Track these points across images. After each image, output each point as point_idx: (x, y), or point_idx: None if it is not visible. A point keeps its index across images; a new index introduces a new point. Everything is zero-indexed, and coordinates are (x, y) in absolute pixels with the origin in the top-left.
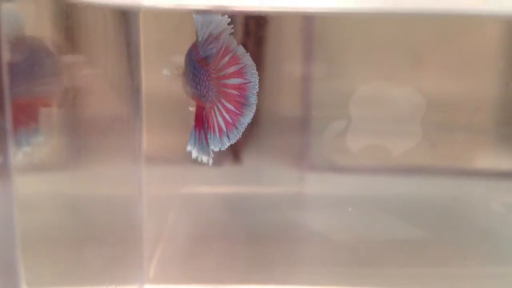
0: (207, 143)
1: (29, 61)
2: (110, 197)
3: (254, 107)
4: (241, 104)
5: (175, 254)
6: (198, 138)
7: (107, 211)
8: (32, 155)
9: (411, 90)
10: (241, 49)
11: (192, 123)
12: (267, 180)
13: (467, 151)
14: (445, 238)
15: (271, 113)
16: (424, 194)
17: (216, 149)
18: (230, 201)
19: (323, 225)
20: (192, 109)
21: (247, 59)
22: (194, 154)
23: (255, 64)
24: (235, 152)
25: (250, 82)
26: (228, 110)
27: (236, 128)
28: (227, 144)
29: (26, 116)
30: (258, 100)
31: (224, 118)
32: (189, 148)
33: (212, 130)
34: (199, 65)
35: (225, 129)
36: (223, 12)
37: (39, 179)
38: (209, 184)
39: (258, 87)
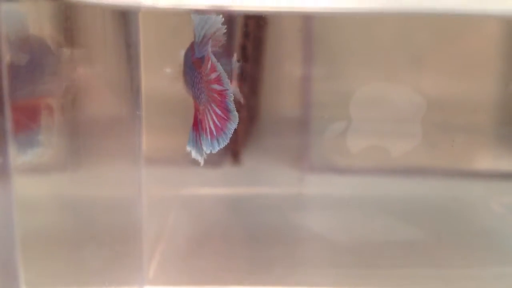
0: (201, 143)
1: (31, 61)
2: (110, 198)
3: (236, 113)
4: (226, 110)
5: (175, 255)
6: (196, 139)
7: (106, 212)
8: (34, 156)
9: (411, 91)
10: (213, 57)
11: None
12: (267, 181)
13: (467, 152)
14: (445, 239)
15: (270, 114)
16: (424, 195)
17: (208, 152)
18: (230, 202)
19: (323, 226)
20: None
21: (220, 68)
22: (193, 154)
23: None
24: (234, 153)
25: (227, 89)
26: (217, 115)
27: (224, 133)
28: (217, 148)
29: (27, 117)
30: (258, 100)
31: (214, 122)
32: (188, 148)
33: (204, 132)
34: (194, 66)
35: (215, 133)
36: (223, 12)
37: (38, 180)
38: (209, 185)
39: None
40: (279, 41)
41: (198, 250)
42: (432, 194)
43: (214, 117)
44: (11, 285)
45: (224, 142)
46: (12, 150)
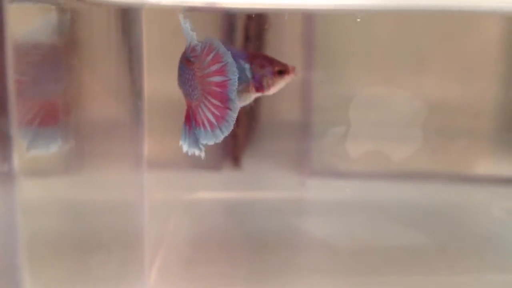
0: (194, 137)
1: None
2: (112, 202)
3: (237, 102)
4: (226, 100)
5: (177, 261)
6: (188, 133)
7: (108, 217)
8: (55, 150)
9: (412, 95)
10: (222, 48)
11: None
12: (268, 185)
13: (467, 157)
14: (445, 244)
15: (271, 118)
16: (425, 200)
17: (211, 143)
18: (231, 207)
19: (324, 231)
20: None
21: (228, 57)
22: (185, 148)
23: (235, 62)
24: (235, 157)
25: (230, 79)
26: (216, 106)
27: (226, 121)
28: (221, 137)
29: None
30: (258, 104)
31: (213, 113)
32: (180, 142)
33: (202, 125)
34: (185, 65)
35: (216, 123)
36: (223, 10)
37: (42, 184)
38: (210, 189)
39: (238, 83)
40: (279, 45)
41: (199, 255)
42: (433, 199)
43: (213, 109)
44: None
45: (228, 129)
46: (17, 154)
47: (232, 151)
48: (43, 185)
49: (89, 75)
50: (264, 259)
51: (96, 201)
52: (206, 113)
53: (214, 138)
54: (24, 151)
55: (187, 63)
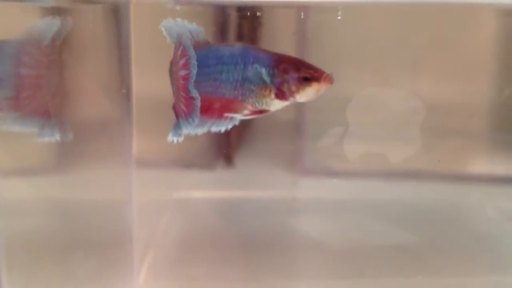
0: (180, 128)
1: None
2: (99, 202)
3: (197, 95)
4: (187, 91)
5: (167, 260)
6: (175, 125)
7: (95, 217)
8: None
9: (406, 95)
10: (188, 42)
11: None
12: (260, 185)
13: (462, 156)
14: (439, 244)
15: (264, 117)
16: (419, 200)
17: (186, 132)
18: (223, 206)
19: (316, 231)
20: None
21: (191, 51)
22: (169, 136)
23: (195, 55)
24: (227, 156)
25: (190, 72)
26: (184, 98)
27: (194, 111)
28: (193, 125)
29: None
30: None
31: (184, 104)
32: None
33: (182, 116)
34: (172, 62)
35: (188, 114)
36: (215, 4)
37: (24, 183)
38: (201, 188)
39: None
40: (272, 44)
41: (190, 255)
42: (428, 199)
43: (183, 100)
44: None
45: (195, 121)
46: None
47: (225, 150)
48: (26, 184)
49: (76, 72)
50: (256, 259)
51: (82, 201)
52: (181, 105)
53: (190, 127)
54: None
55: (173, 60)
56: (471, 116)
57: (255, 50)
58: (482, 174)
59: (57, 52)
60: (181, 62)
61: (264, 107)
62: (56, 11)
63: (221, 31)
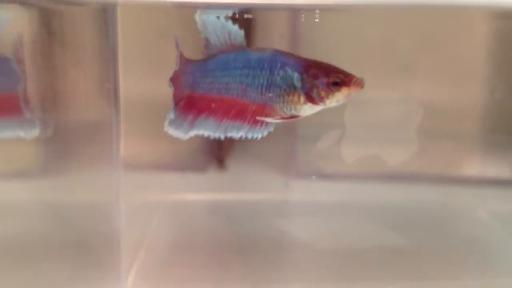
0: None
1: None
2: (86, 204)
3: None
4: None
5: (157, 263)
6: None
7: (82, 219)
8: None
9: (400, 97)
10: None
11: None
12: (252, 187)
13: (454, 159)
14: (429, 247)
15: None
16: (411, 202)
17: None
18: (214, 208)
19: (308, 233)
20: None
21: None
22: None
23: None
24: (219, 159)
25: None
26: None
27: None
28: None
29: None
30: None
31: None
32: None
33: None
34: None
35: None
36: (203, 6)
37: (11, 185)
38: (194, 191)
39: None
40: (263, 45)
41: (181, 257)
42: (419, 201)
43: None
44: None
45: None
46: None
47: (217, 152)
48: (12, 186)
49: (63, 75)
50: (247, 261)
51: (69, 203)
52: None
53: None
54: None
55: None
56: (459, 119)
57: (284, 56)
58: (474, 176)
59: (21, 49)
60: None
61: (292, 112)
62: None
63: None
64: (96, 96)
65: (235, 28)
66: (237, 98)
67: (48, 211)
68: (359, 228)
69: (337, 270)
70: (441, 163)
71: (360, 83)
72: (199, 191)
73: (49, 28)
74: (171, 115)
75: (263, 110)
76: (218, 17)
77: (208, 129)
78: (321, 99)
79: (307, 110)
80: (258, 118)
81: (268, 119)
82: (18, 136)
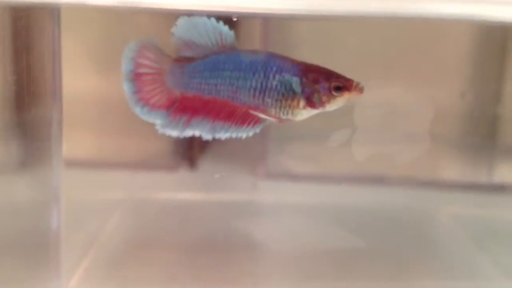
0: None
1: None
2: (19, 203)
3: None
4: None
5: (106, 265)
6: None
7: (18, 218)
8: None
9: (376, 100)
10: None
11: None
12: (222, 187)
13: (424, 161)
14: (390, 250)
15: None
16: (378, 204)
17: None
18: (180, 208)
19: (271, 235)
20: None
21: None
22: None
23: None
24: (190, 158)
25: None
26: None
27: None
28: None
29: None
30: None
31: None
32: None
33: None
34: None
35: None
36: (150, 10)
37: None
38: (159, 189)
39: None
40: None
41: (135, 258)
42: (386, 203)
43: None
44: None
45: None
46: None
47: (188, 152)
48: None
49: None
50: (206, 262)
51: (5, 203)
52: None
53: None
54: None
55: None
56: (433, 121)
57: (280, 59)
58: (439, 180)
59: None
60: None
61: (289, 116)
62: None
63: None
64: (36, 95)
65: (225, 28)
66: (227, 100)
67: None
68: (322, 230)
69: (297, 271)
70: (410, 165)
71: (360, 88)
72: (166, 190)
73: None
74: (160, 119)
75: (255, 113)
76: (209, 18)
77: (200, 130)
78: (322, 104)
79: (304, 114)
80: (252, 112)
81: (262, 115)
82: None
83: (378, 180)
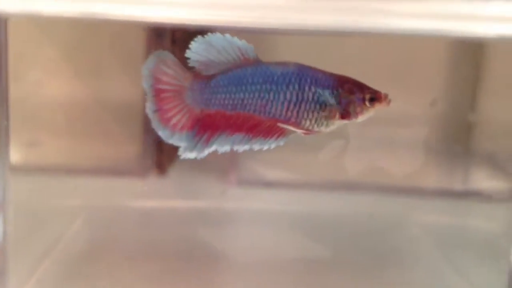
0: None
1: None
2: None
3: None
4: None
5: (53, 279)
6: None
7: None
8: None
9: None
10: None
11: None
12: (191, 194)
13: (398, 168)
14: (354, 258)
15: None
16: (348, 211)
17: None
18: (146, 215)
19: (237, 244)
20: None
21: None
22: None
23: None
24: (159, 164)
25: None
26: None
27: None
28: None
29: None
30: None
31: None
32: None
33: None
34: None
35: None
36: (96, 21)
37: None
38: (124, 196)
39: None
40: None
41: (90, 270)
42: (357, 211)
43: None
44: None
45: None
46: None
47: (157, 158)
48: None
49: None
50: (166, 272)
51: None
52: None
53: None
54: None
55: None
56: (401, 127)
57: (311, 70)
58: (413, 187)
59: None
60: None
61: (322, 128)
62: None
63: (156, 37)
64: None
65: (243, 42)
66: (253, 114)
67: None
68: (288, 238)
69: (255, 282)
70: (381, 173)
71: (389, 100)
72: (133, 197)
73: None
74: (184, 141)
75: (284, 124)
76: (223, 34)
77: (221, 146)
78: (356, 115)
79: (336, 125)
80: (280, 125)
81: (292, 128)
82: None
83: (351, 187)
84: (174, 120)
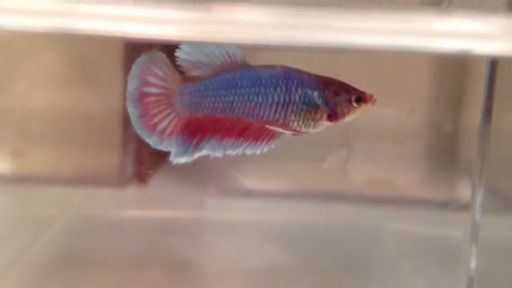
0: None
1: None
2: None
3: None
4: None
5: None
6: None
7: None
8: None
9: None
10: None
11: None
12: (171, 204)
13: (381, 178)
14: (322, 267)
15: None
16: (328, 221)
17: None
18: (125, 225)
19: (211, 253)
20: None
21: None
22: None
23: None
24: (140, 174)
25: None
26: None
27: None
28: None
29: None
30: None
31: None
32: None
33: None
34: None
35: None
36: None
37: None
38: (102, 206)
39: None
40: None
41: (60, 281)
42: (337, 221)
43: None
44: None
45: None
46: None
47: (137, 167)
48: None
49: None
50: (140, 283)
51: None
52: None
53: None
54: None
55: None
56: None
57: (297, 72)
58: (385, 196)
59: None
60: None
61: (309, 129)
62: None
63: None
64: None
65: (231, 47)
66: (242, 117)
67: None
68: (263, 248)
69: None
70: (363, 182)
71: (374, 100)
72: (111, 207)
73: None
74: (175, 146)
75: (272, 126)
76: None
77: (212, 150)
78: (343, 116)
79: (322, 126)
80: (268, 127)
81: (280, 130)
82: None
83: (334, 197)
84: (161, 126)
